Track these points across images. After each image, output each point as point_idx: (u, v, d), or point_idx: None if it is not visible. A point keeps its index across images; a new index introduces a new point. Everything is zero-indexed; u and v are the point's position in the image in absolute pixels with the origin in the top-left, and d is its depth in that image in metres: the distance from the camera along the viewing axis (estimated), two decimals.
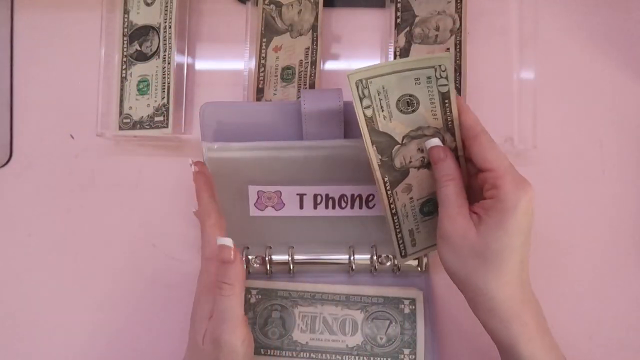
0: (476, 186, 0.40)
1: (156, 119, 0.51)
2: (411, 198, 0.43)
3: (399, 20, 0.52)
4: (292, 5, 0.53)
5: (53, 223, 0.53)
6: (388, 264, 0.50)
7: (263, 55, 0.52)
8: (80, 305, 0.52)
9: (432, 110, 0.39)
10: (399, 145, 0.40)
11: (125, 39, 0.53)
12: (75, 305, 0.52)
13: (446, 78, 0.37)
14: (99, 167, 0.54)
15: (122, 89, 0.52)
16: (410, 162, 0.41)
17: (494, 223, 0.37)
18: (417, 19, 0.52)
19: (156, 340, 0.51)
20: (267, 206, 0.47)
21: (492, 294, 0.38)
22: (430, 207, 0.43)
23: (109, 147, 0.54)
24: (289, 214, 0.48)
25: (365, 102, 0.38)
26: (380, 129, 0.39)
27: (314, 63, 0.51)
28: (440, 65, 0.37)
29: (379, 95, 0.38)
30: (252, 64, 0.52)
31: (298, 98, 0.51)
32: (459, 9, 0.52)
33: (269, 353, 0.47)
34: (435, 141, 0.40)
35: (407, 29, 0.52)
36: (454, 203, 0.39)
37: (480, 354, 0.50)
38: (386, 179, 0.41)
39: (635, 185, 0.53)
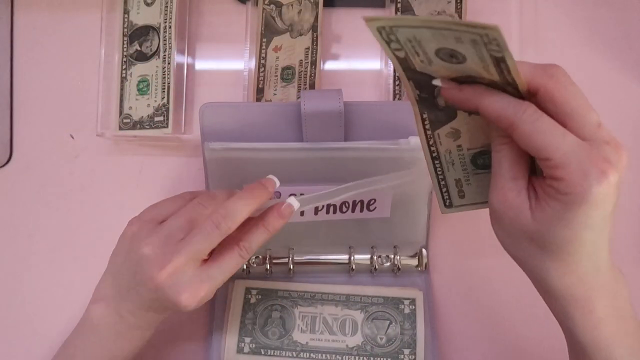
0: None
1: (156, 119, 0.51)
2: (459, 146, 0.36)
3: None
4: (292, 5, 0.53)
5: (53, 223, 0.53)
6: (388, 264, 0.50)
7: (263, 55, 0.52)
8: (81, 306, 0.52)
9: (484, 67, 0.30)
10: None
11: (125, 39, 0.53)
12: (76, 306, 0.52)
13: (498, 45, 0.28)
14: (99, 167, 0.54)
15: (122, 89, 0.52)
16: None
17: (555, 215, 0.30)
18: None
19: (163, 341, 0.51)
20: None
21: (551, 281, 0.32)
22: (486, 160, 0.36)
23: (109, 147, 0.54)
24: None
25: (394, 45, 0.31)
26: (419, 69, 0.32)
27: (314, 63, 0.51)
28: (486, 34, 0.27)
29: (410, 43, 0.30)
30: (252, 64, 0.52)
31: (298, 98, 0.51)
32: (459, 9, 0.52)
33: (269, 353, 0.47)
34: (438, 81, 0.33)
35: None
36: (507, 174, 0.31)
37: (480, 355, 0.50)
38: (425, 116, 0.35)
39: (635, 185, 0.53)
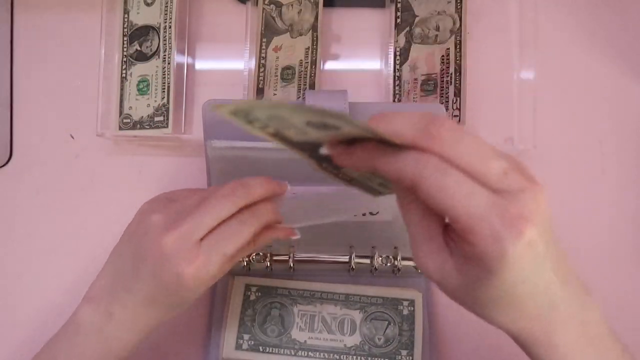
0: None
1: (156, 119, 0.51)
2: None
3: (399, 20, 0.52)
4: (292, 5, 0.53)
5: (53, 223, 0.53)
6: (388, 265, 0.50)
7: (263, 55, 0.52)
8: None
9: (362, 132, 0.27)
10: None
11: (125, 39, 0.53)
12: (75, 305, 0.52)
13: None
14: (99, 167, 0.54)
15: (122, 89, 0.52)
16: None
17: (478, 276, 0.27)
18: (417, 19, 0.52)
19: (161, 337, 0.51)
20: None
21: (505, 328, 0.30)
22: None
23: (109, 147, 0.54)
24: None
25: (258, 124, 0.27)
26: (297, 140, 0.29)
27: (314, 63, 0.51)
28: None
29: (275, 119, 0.26)
30: (252, 64, 0.52)
31: (298, 98, 0.51)
32: (459, 9, 0.52)
33: (267, 351, 0.47)
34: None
35: (407, 29, 0.52)
36: (421, 236, 0.28)
37: (478, 357, 0.50)
38: (325, 165, 0.31)
39: (635, 185, 0.53)
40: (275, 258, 0.50)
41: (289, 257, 0.50)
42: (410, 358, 0.47)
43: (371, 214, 0.47)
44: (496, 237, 0.24)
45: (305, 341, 0.47)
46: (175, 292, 0.37)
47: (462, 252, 0.27)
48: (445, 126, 0.25)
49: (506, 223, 0.24)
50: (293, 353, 0.47)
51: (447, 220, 0.27)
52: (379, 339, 0.47)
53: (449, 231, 0.28)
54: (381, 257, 0.50)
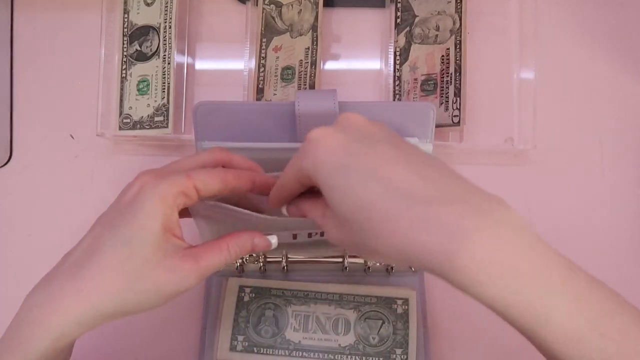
0: None
1: (156, 119, 0.51)
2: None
3: (398, 20, 0.52)
4: (292, 5, 0.53)
5: (53, 223, 0.53)
6: (381, 263, 0.50)
7: (263, 55, 0.52)
8: None
9: None
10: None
11: (125, 39, 0.53)
12: None
13: None
14: (99, 167, 0.54)
15: (122, 89, 0.52)
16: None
17: (326, 197, 0.30)
18: (417, 19, 0.52)
19: (156, 339, 0.51)
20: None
21: (407, 251, 0.27)
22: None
23: (109, 147, 0.54)
24: None
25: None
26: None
27: (314, 63, 0.51)
28: None
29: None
30: (252, 64, 0.52)
31: None
32: (459, 9, 0.52)
33: (261, 352, 0.47)
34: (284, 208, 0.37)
35: (407, 29, 0.52)
36: (317, 218, 0.33)
37: (472, 355, 0.50)
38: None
39: (635, 186, 0.53)
40: (268, 259, 0.50)
41: (283, 258, 0.50)
42: (405, 356, 0.47)
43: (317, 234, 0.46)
44: (298, 158, 0.32)
45: (299, 341, 0.47)
46: (122, 215, 0.32)
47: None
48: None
49: (301, 149, 0.31)
50: (287, 354, 0.47)
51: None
52: (374, 338, 0.47)
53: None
54: None
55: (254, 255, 0.50)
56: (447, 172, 0.29)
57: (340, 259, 0.50)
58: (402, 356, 0.47)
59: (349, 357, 0.47)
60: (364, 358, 0.47)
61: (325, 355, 0.47)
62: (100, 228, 0.33)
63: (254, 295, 0.49)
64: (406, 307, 0.48)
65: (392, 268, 0.49)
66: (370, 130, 0.31)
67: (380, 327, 0.48)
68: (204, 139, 0.44)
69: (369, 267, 0.50)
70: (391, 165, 0.28)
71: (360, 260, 0.50)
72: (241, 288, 0.49)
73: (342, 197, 0.28)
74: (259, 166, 0.38)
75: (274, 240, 0.36)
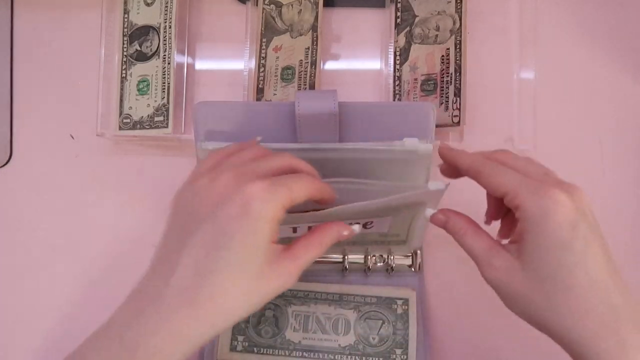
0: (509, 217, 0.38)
1: (156, 119, 0.51)
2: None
3: (399, 20, 0.52)
4: (292, 5, 0.53)
5: (53, 223, 0.53)
6: (381, 264, 0.50)
7: (263, 55, 0.52)
8: (80, 306, 0.52)
9: None
10: None
11: (125, 39, 0.53)
12: (75, 306, 0.52)
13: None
14: (99, 167, 0.54)
15: (122, 89, 0.52)
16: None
17: (530, 245, 0.32)
18: (417, 19, 0.52)
19: None
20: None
21: (566, 331, 0.32)
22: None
23: (109, 147, 0.54)
24: None
25: None
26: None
27: (314, 63, 0.51)
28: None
29: None
30: (252, 64, 0.52)
31: None
32: (459, 9, 0.52)
33: (262, 352, 0.47)
34: (430, 211, 0.39)
35: (407, 29, 0.52)
36: (480, 252, 0.35)
37: (472, 356, 0.50)
38: None
39: (635, 185, 0.53)
40: None
41: None
42: (405, 357, 0.47)
43: (365, 227, 0.46)
44: (536, 193, 0.32)
45: (299, 342, 0.47)
46: (232, 235, 0.31)
47: (518, 230, 0.34)
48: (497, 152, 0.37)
49: (543, 184, 0.32)
50: (287, 354, 0.47)
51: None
52: (374, 338, 0.47)
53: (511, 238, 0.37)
54: (374, 256, 0.50)
55: None
56: (628, 290, 0.33)
57: (340, 259, 0.50)
58: (402, 356, 0.47)
59: (349, 357, 0.47)
60: (364, 358, 0.47)
61: (325, 355, 0.47)
62: (201, 248, 0.31)
63: None
64: (406, 307, 0.48)
65: (392, 268, 0.49)
66: (594, 219, 0.34)
67: (380, 327, 0.48)
68: (204, 138, 0.44)
69: (369, 268, 0.50)
70: (613, 270, 0.33)
71: (360, 261, 0.50)
72: None
73: (568, 257, 0.31)
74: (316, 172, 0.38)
75: (356, 227, 0.37)
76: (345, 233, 0.36)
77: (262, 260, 0.32)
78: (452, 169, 0.39)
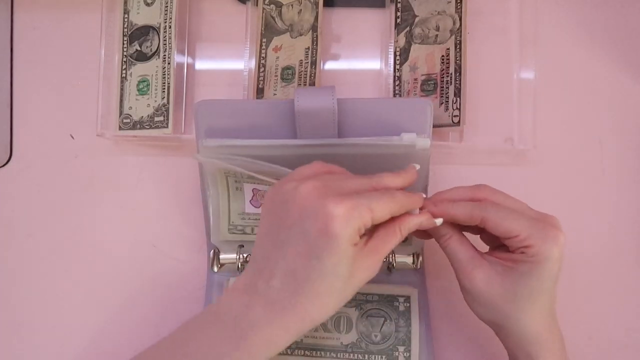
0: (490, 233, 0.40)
1: (156, 119, 0.51)
2: None
3: (399, 20, 0.52)
4: (292, 5, 0.53)
5: (53, 223, 0.53)
6: (383, 261, 0.50)
7: (263, 55, 0.52)
8: (80, 306, 0.52)
9: None
10: None
11: (125, 39, 0.53)
12: (75, 306, 0.52)
13: None
14: (99, 167, 0.54)
15: (122, 89, 0.52)
16: None
17: (525, 272, 0.37)
18: (417, 19, 0.52)
19: (157, 337, 0.51)
20: (262, 203, 0.47)
21: (524, 330, 0.39)
22: None
23: (109, 147, 0.54)
24: None
25: None
26: None
27: (314, 63, 0.51)
28: None
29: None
30: (252, 64, 0.52)
31: None
32: (459, 9, 0.52)
33: None
34: (416, 213, 0.39)
35: (407, 29, 0.52)
36: (464, 258, 0.39)
37: (474, 352, 0.50)
38: None
39: (635, 185, 0.53)
40: None
41: None
42: (408, 354, 0.47)
43: None
44: (544, 239, 0.37)
45: (301, 340, 0.47)
46: (320, 248, 0.34)
47: (514, 258, 0.38)
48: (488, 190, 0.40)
49: (548, 231, 0.37)
50: (289, 352, 0.47)
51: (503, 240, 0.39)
52: (376, 336, 0.47)
53: (497, 254, 0.40)
54: None
55: None
56: None
57: None
58: (405, 354, 0.47)
59: (352, 354, 0.47)
60: (366, 356, 0.47)
61: (328, 353, 0.47)
62: (296, 257, 0.35)
63: None
64: (408, 304, 0.48)
65: (393, 266, 0.50)
66: None
67: (383, 324, 0.48)
68: (205, 136, 0.44)
69: None
70: None
71: None
72: None
73: (551, 284, 0.38)
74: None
75: (439, 221, 0.39)
76: (426, 223, 0.39)
77: (349, 263, 0.35)
78: (423, 231, 0.41)
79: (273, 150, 0.43)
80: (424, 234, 0.42)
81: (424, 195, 0.40)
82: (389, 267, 0.50)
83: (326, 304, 0.36)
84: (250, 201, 0.48)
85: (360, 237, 0.35)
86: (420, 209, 0.39)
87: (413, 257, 0.50)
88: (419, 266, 0.50)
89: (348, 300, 0.37)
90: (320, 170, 0.38)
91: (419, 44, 0.52)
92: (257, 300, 0.36)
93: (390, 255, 0.50)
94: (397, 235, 0.37)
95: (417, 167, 0.40)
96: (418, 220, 0.38)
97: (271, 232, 0.36)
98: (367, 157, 0.43)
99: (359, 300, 0.49)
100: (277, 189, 0.37)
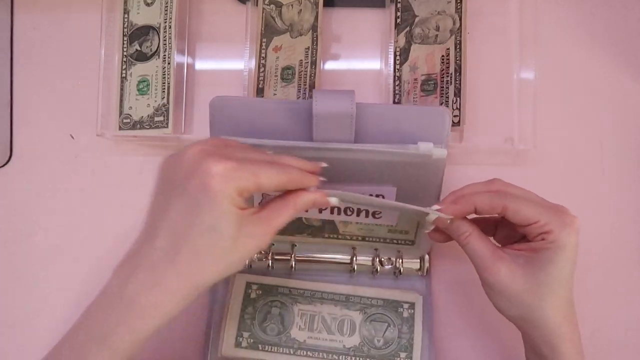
0: (509, 224, 0.41)
1: (156, 119, 0.51)
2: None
3: (399, 20, 0.52)
4: (292, 5, 0.53)
5: (53, 223, 0.53)
6: (389, 266, 0.50)
7: (263, 55, 0.52)
8: (80, 306, 0.52)
9: None
10: None
11: (125, 39, 0.53)
12: (75, 306, 0.52)
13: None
14: (99, 167, 0.54)
15: (122, 89, 0.52)
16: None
17: (545, 260, 0.38)
18: (417, 19, 0.52)
19: (156, 339, 0.51)
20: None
21: (546, 322, 0.40)
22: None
23: (109, 147, 0.54)
24: None
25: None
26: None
27: (314, 63, 0.51)
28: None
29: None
30: (252, 64, 0.52)
31: (298, 98, 0.51)
32: (459, 9, 0.52)
33: (266, 349, 0.47)
34: (435, 212, 0.40)
35: (407, 29, 0.52)
36: (486, 254, 0.40)
37: None
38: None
39: (635, 185, 0.53)
40: (276, 257, 0.50)
41: (290, 256, 0.50)
42: None
43: (374, 217, 0.47)
44: (563, 225, 0.38)
45: (304, 341, 0.47)
46: (200, 205, 0.34)
47: (534, 247, 0.39)
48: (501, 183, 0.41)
49: (564, 214, 0.39)
50: (292, 352, 0.47)
51: (522, 230, 0.40)
52: (378, 341, 0.47)
53: (517, 246, 0.41)
54: (383, 258, 0.50)
55: (262, 252, 0.50)
56: None
57: (348, 261, 0.50)
58: None
59: (354, 358, 0.47)
60: None
61: (330, 355, 0.47)
62: (177, 215, 0.35)
63: (260, 292, 0.49)
64: (412, 311, 0.48)
65: (399, 271, 0.50)
66: None
67: (386, 330, 0.48)
68: (220, 133, 0.44)
69: (376, 270, 0.50)
70: None
71: (369, 263, 0.50)
72: (248, 285, 0.49)
73: (570, 270, 0.39)
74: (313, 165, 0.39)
75: (333, 199, 0.39)
76: (320, 200, 0.38)
77: (233, 223, 0.34)
78: (441, 233, 0.42)
79: (287, 151, 0.43)
80: (443, 235, 0.42)
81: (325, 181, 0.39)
82: (395, 272, 0.50)
83: (208, 265, 0.34)
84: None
85: (247, 201, 0.35)
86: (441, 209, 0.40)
87: (420, 263, 0.50)
88: (425, 273, 0.50)
89: (236, 270, 0.36)
90: (217, 141, 0.37)
91: (419, 44, 0.52)
92: (142, 266, 0.35)
93: (397, 260, 0.49)
94: (290, 209, 0.37)
95: (324, 165, 0.39)
96: (312, 196, 0.38)
97: (158, 197, 0.37)
98: (381, 163, 0.43)
99: (364, 304, 0.49)
100: (168, 157, 0.37)
